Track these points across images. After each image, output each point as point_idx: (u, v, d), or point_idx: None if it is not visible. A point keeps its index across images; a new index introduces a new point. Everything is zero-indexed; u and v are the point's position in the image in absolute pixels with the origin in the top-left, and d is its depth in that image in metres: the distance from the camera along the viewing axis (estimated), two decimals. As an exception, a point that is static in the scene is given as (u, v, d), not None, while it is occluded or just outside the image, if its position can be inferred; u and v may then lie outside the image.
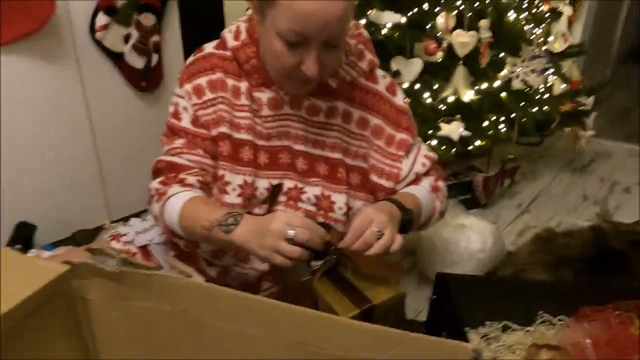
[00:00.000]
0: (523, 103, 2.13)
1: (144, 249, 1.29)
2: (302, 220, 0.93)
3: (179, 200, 1.07)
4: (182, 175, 1.11)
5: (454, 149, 1.98)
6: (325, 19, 0.93)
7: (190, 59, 1.18)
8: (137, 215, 1.87)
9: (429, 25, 1.97)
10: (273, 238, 0.91)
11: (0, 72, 1.61)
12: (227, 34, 1.14)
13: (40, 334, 0.80)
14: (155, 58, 1.91)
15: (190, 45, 1.99)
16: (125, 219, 1.96)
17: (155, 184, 1.14)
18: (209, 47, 1.17)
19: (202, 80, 1.13)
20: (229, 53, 1.13)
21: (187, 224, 1.05)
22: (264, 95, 1.12)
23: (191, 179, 1.11)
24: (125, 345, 0.92)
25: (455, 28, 1.99)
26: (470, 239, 1.75)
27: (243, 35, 1.12)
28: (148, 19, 1.85)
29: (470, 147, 2.04)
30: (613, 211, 2.22)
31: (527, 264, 1.63)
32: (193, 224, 1.03)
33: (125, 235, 1.32)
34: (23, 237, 1.75)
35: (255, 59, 1.10)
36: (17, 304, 0.71)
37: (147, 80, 1.92)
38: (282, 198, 1.15)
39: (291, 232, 0.90)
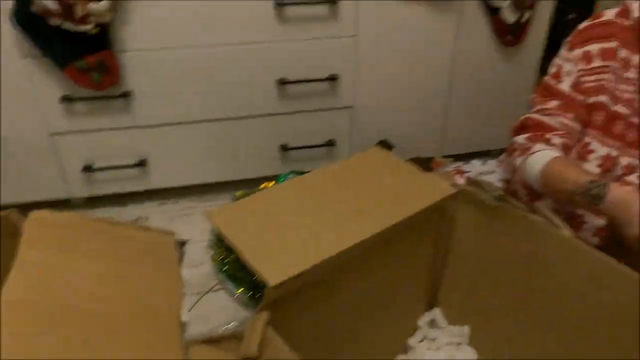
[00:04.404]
0: None
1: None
2: None
3: (543, 157, 1.10)
4: (548, 135, 1.14)
5: None
6: None
7: (587, 23, 1.17)
8: (466, 156, 2.03)
9: None
10: None
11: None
12: (634, 2, 1.11)
13: (412, 236, 0.97)
14: (526, 15, 1.97)
15: (562, 5, 2.00)
16: (454, 157, 2.14)
17: (520, 139, 1.18)
18: (610, 14, 1.15)
19: (595, 47, 1.13)
20: (630, 22, 1.11)
21: (549, 182, 1.08)
22: None
23: (556, 140, 1.13)
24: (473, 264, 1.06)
25: None
26: None
27: None
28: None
29: None
30: None
31: None
32: (556, 182, 1.06)
33: (468, 172, 1.45)
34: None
35: None
36: (413, 213, 0.88)
37: (513, 35, 2.00)
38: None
39: None
